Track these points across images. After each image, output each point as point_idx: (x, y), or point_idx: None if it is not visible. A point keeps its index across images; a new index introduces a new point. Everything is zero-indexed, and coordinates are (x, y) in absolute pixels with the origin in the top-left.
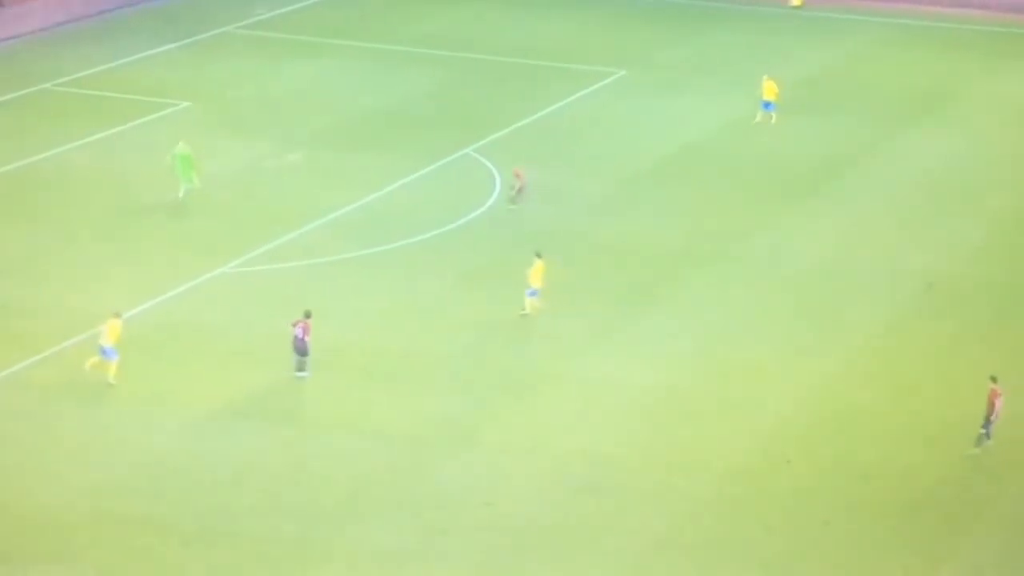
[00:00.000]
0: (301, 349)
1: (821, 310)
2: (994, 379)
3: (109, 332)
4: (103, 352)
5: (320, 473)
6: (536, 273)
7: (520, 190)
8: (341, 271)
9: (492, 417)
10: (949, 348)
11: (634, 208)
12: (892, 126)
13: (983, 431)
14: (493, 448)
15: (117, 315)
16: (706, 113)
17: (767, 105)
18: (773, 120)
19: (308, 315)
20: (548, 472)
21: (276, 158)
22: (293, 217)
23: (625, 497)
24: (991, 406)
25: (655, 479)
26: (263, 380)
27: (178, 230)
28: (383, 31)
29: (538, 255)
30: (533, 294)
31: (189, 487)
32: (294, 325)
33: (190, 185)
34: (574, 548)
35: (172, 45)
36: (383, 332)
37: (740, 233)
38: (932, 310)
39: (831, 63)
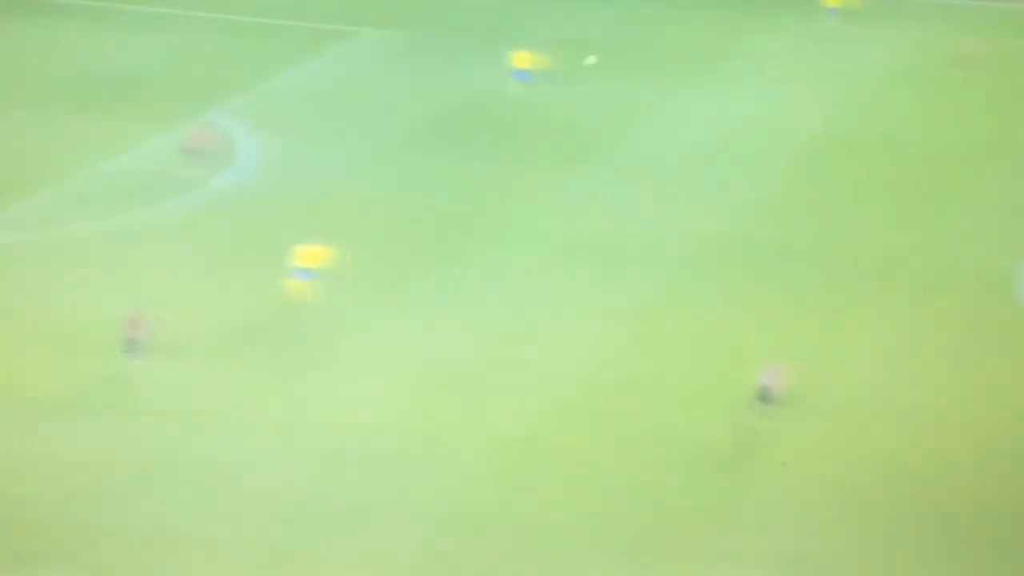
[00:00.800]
0: (131, 345)
1: (607, 275)
2: (775, 360)
3: None
4: None
5: (104, 455)
6: (312, 254)
7: (198, 152)
8: (92, 244)
9: (274, 393)
10: (735, 311)
11: (401, 175)
12: (670, 87)
13: (762, 402)
14: (276, 424)
15: None
16: (473, 75)
17: (521, 75)
18: (531, 89)
19: (139, 311)
20: (334, 447)
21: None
22: (27, 185)
23: (411, 470)
24: (768, 383)
25: (442, 451)
26: (24, 363)
27: None
28: None
29: (314, 239)
30: (309, 276)
31: None
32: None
33: None
34: (358, 525)
35: None
36: (149, 308)
37: (520, 199)
38: (718, 272)
39: (601, 24)
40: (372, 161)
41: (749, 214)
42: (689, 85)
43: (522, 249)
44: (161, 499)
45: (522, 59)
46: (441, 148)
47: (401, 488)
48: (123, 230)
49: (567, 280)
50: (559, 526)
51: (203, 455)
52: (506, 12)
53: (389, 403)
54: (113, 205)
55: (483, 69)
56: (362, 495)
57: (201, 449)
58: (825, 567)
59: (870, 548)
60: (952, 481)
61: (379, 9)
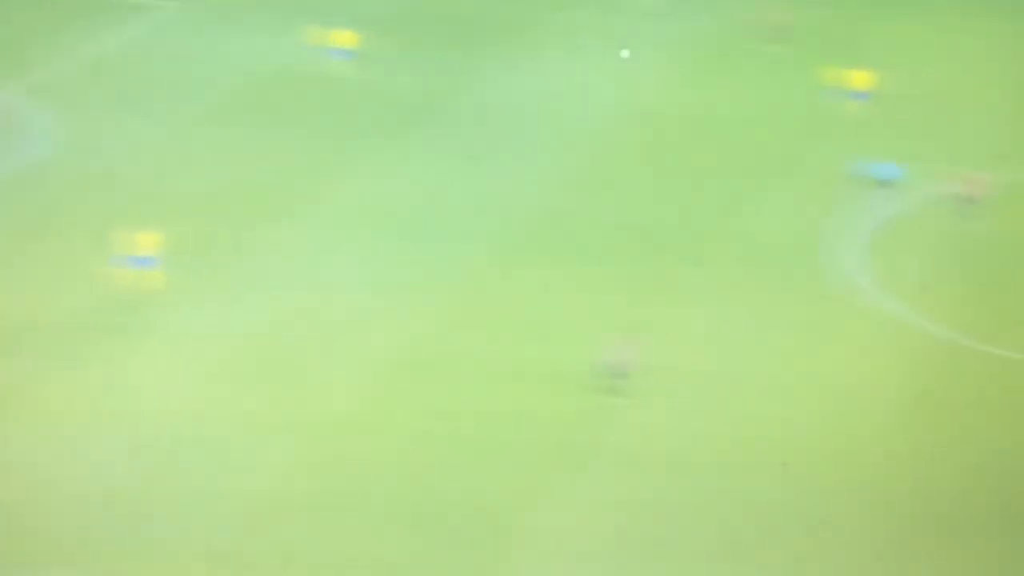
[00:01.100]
0: None
1: (426, 251)
2: (622, 332)
3: None
4: None
5: None
6: (146, 240)
7: None
8: None
9: (83, 384)
10: (559, 286)
11: (209, 152)
12: (485, 61)
13: (612, 378)
14: (88, 416)
15: None
16: (279, 50)
17: (333, 52)
18: (344, 65)
19: None
20: (150, 437)
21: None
22: None
23: (218, 459)
24: (617, 359)
25: (258, 436)
26: None
27: None
28: None
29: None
30: (144, 263)
31: None
32: None
33: None
34: (158, 518)
35: None
36: None
37: (329, 175)
38: (539, 247)
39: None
40: (177, 138)
41: (568, 188)
42: (505, 59)
43: (339, 226)
44: None
45: (335, 36)
46: (249, 124)
47: (212, 476)
48: None
49: (386, 257)
50: (380, 514)
51: (16, 451)
52: None
53: (202, 387)
54: None
55: (290, 44)
56: (174, 486)
57: (13, 444)
58: (661, 540)
59: (705, 522)
60: (775, 449)
61: None
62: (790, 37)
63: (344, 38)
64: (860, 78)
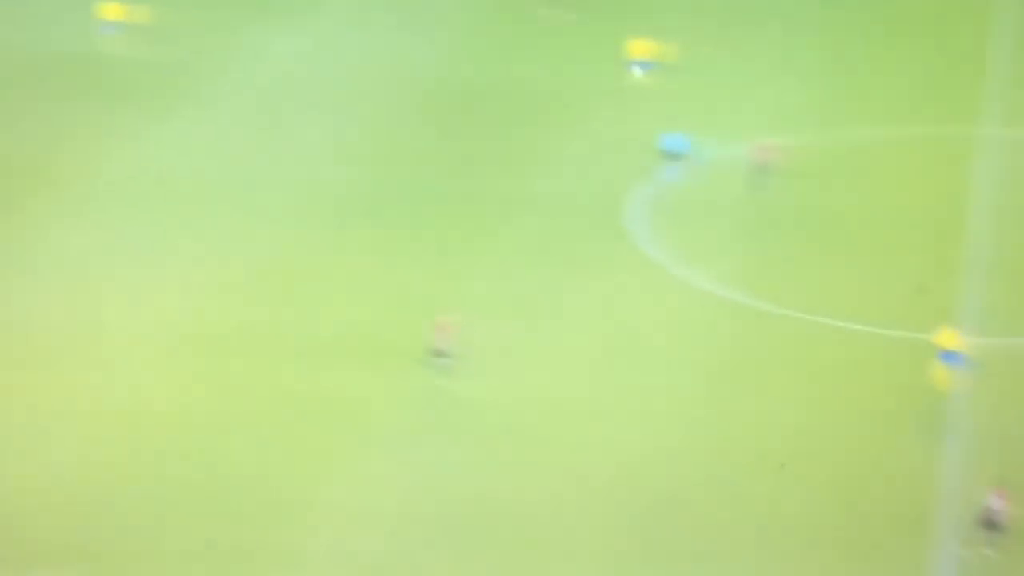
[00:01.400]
0: None
1: (211, 226)
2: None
3: None
4: None
5: None
6: None
7: None
8: None
9: None
10: (353, 260)
11: None
12: (274, 30)
13: (440, 360)
14: None
15: None
16: (53, 23)
17: (116, 27)
18: (126, 40)
19: None
20: None
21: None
22: None
23: (30, 447)
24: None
25: (36, 426)
26: None
27: None
28: None
29: None
30: None
31: None
32: None
33: None
34: None
35: None
36: None
37: (111, 150)
38: (333, 220)
39: None
40: None
41: (363, 158)
42: (292, 28)
43: (127, 201)
44: None
45: (111, 9)
46: (28, 99)
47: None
48: None
49: (175, 232)
50: (175, 498)
51: None
52: None
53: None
54: None
55: (67, 18)
56: None
57: None
58: (472, 517)
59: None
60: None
61: None
62: (580, 6)
63: (120, 11)
64: (652, 48)
